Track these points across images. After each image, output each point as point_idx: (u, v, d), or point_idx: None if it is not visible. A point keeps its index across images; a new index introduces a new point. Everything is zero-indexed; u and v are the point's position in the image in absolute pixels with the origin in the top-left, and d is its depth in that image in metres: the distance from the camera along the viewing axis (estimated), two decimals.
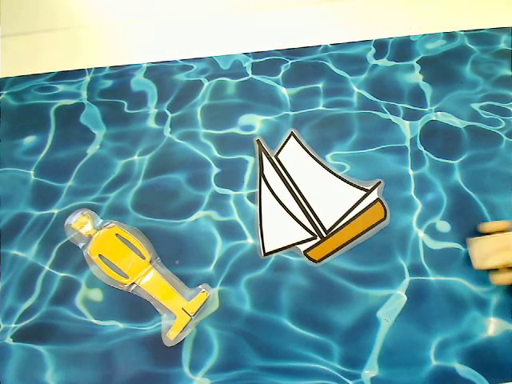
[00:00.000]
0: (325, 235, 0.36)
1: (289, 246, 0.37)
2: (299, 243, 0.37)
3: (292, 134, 0.36)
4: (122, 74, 0.47)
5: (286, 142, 0.37)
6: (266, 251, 0.37)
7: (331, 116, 0.44)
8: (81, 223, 0.40)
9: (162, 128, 0.44)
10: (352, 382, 0.34)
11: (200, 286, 0.37)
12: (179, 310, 0.37)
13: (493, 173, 0.41)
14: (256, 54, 0.48)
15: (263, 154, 0.36)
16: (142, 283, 0.38)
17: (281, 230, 0.38)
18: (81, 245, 0.40)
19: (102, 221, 0.40)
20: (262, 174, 0.36)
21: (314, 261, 0.37)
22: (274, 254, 0.38)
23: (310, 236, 0.36)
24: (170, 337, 0.36)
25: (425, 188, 0.41)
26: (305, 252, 0.37)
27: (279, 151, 0.37)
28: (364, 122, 0.44)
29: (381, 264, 0.38)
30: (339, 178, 0.38)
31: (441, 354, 0.35)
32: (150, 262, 0.39)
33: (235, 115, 0.45)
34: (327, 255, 0.36)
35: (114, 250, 0.39)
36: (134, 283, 0.38)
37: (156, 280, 0.38)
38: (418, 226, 0.39)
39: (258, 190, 0.38)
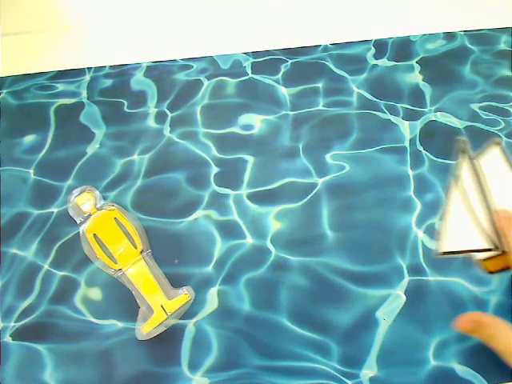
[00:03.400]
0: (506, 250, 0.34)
1: (467, 251, 0.35)
2: (478, 251, 0.35)
3: (497, 143, 0.35)
4: (121, 73, 0.47)
5: (488, 149, 0.36)
6: (445, 250, 0.35)
7: (331, 116, 0.44)
8: (84, 199, 0.40)
9: (161, 127, 0.44)
10: (351, 381, 0.34)
11: (183, 288, 0.37)
12: (158, 306, 0.36)
13: None
14: (256, 54, 0.48)
15: (464, 155, 0.35)
16: (128, 272, 0.38)
17: (462, 233, 0.36)
18: (78, 220, 0.40)
19: (104, 202, 0.40)
20: (457, 174, 0.35)
21: (489, 272, 0.35)
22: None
23: (491, 247, 0.35)
24: (143, 330, 0.36)
25: (424, 188, 0.41)
26: (482, 260, 0.35)
27: (479, 155, 0.36)
28: (363, 121, 0.44)
29: (380, 264, 0.38)
30: None
31: (440, 354, 0.35)
32: (141, 252, 0.39)
33: (235, 115, 0.45)
34: (504, 269, 0.34)
35: (109, 233, 0.39)
36: (121, 270, 0.38)
37: (142, 272, 0.38)
38: (418, 226, 0.39)
39: (449, 187, 0.37)
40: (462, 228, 0.34)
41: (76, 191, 0.41)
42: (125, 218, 0.39)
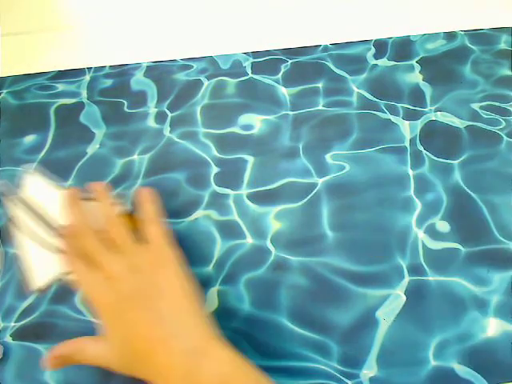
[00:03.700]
0: None
1: (58, 278, 0.35)
2: (68, 273, 0.35)
3: (27, 171, 0.38)
4: (121, 73, 0.47)
5: (24, 180, 0.37)
6: (37, 288, 0.35)
7: (331, 116, 0.44)
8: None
9: (161, 127, 0.44)
10: (351, 381, 0.34)
11: None
12: None
13: (493, 173, 0.41)
14: (256, 54, 0.48)
15: (5, 197, 0.37)
16: None
17: (45, 264, 0.35)
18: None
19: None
20: (10, 217, 0.36)
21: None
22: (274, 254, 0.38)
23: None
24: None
25: (424, 188, 0.41)
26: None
27: (18, 190, 0.38)
28: (364, 121, 0.44)
29: (380, 264, 0.38)
30: None
31: (440, 354, 0.35)
32: None
33: (235, 115, 0.45)
34: None
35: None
36: None
37: None
38: (418, 226, 0.39)
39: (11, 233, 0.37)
40: (42, 260, 0.35)
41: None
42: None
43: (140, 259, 0.31)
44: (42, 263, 0.34)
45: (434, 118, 0.44)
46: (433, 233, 0.39)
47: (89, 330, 0.37)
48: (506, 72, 0.45)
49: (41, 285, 0.33)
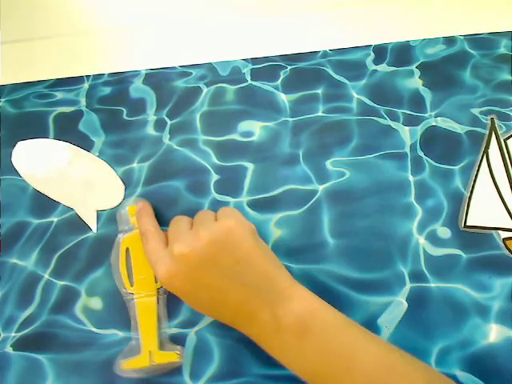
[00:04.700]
0: None
1: (490, 228, 0.37)
2: (502, 229, 0.37)
3: None
4: (120, 80, 0.47)
5: None
6: (468, 224, 0.37)
7: (331, 122, 0.44)
8: (135, 211, 0.39)
9: (161, 135, 0.44)
10: None
11: (178, 348, 0.36)
12: (147, 350, 0.36)
13: None
14: (255, 60, 0.48)
15: (493, 133, 0.36)
16: (138, 300, 0.37)
17: (488, 210, 0.38)
18: (120, 227, 0.40)
19: None
20: (485, 151, 0.36)
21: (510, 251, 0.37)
22: None
23: None
24: (123, 366, 0.35)
25: (425, 194, 0.41)
26: (504, 240, 0.37)
27: (509, 137, 0.37)
28: (363, 127, 0.44)
29: (381, 271, 0.38)
30: None
31: (442, 360, 0.35)
32: (159, 289, 0.38)
33: (234, 121, 0.45)
34: None
35: (140, 255, 0.38)
36: (132, 294, 0.38)
37: (150, 308, 0.37)
38: (419, 232, 0.39)
39: (478, 163, 0.40)
40: (488, 206, 0.37)
41: (129, 200, 0.41)
42: None
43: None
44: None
45: (434, 124, 0.44)
46: (434, 239, 0.39)
47: (90, 340, 0.37)
48: (507, 76, 0.45)
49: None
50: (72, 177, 0.42)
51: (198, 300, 0.33)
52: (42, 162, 0.43)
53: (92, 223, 0.40)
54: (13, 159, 0.43)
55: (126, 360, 0.36)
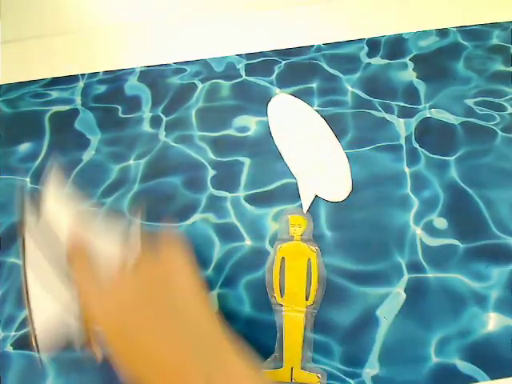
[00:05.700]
0: None
1: None
2: None
3: None
4: (115, 78, 0.47)
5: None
6: None
7: (326, 116, 0.44)
8: (297, 222, 0.39)
9: (156, 132, 0.44)
10: (353, 380, 0.34)
11: (320, 371, 0.35)
12: (289, 365, 0.35)
13: (489, 168, 0.41)
14: (249, 56, 0.48)
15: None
16: (286, 313, 0.36)
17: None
18: (279, 235, 0.39)
19: (309, 240, 0.39)
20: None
21: None
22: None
23: None
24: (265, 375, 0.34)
25: (421, 185, 0.41)
26: None
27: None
28: (358, 120, 0.44)
29: (379, 262, 0.38)
30: None
31: (441, 350, 0.35)
32: (307, 307, 0.37)
33: (230, 117, 0.45)
34: None
35: (295, 267, 0.38)
36: (282, 306, 0.37)
37: (298, 325, 0.36)
38: (415, 223, 0.39)
39: None
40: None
41: (294, 210, 0.40)
42: (316, 266, 0.38)
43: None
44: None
45: (428, 115, 0.44)
46: (430, 230, 0.39)
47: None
48: (499, 67, 0.45)
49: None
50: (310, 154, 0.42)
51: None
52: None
53: (305, 204, 0.39)
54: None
55: (268, 370, 0.35)
